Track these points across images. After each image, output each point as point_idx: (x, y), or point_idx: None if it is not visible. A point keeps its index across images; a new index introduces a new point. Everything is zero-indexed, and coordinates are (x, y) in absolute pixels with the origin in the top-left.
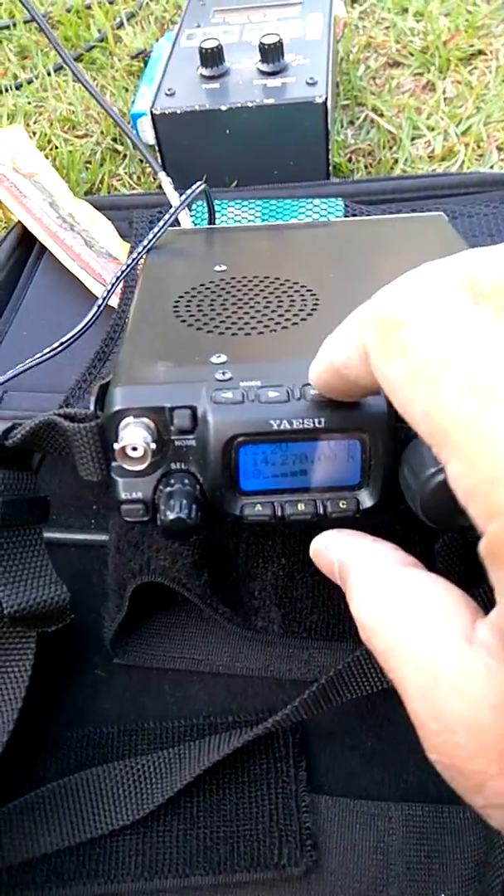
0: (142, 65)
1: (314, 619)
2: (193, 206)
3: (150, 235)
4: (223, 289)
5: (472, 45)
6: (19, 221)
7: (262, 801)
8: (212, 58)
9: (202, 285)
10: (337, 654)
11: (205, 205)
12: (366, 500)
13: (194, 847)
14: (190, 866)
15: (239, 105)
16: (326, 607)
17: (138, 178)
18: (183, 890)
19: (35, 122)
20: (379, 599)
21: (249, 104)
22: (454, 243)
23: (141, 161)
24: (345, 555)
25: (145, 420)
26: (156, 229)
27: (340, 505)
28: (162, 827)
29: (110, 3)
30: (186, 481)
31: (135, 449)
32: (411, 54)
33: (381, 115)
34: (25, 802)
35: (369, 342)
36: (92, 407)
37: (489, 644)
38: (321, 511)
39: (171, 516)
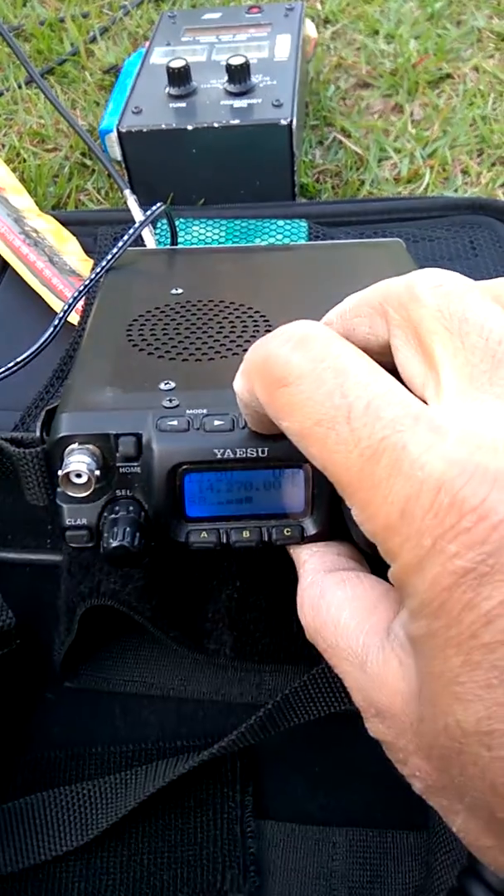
0: (114, 79)
1: (266, 642)
2: (159, 224)
3: (109, 256)
4: (178, 313)
5: (440, 69)
6: None
7: (208, 826)
8: (179, 77)
9: (157, 308)
10: (288, 678)
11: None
12: (310, 527)
13: (138, 873)
14: (133, 892)
15: (205, 125)
16: (278, 631)
17: (106, 193)
18: None
19: (4, 135)
20: (316, 604)
21: (216, 124)
22: (409, 270)
23: (109, 176)
24: (294, 559)
25: (90, 447)
26: (114, 250)
27: (285, 532)
28: (106, 853)
29: (84, 17)
30: (131, 508)
31: (79, 476)
32: (381, 76)
33: (349, 136)
34: None
35: (261, 397)
36: (38, 432)
37: (400, 638)
38: (266, 538)
39: (114, 544)
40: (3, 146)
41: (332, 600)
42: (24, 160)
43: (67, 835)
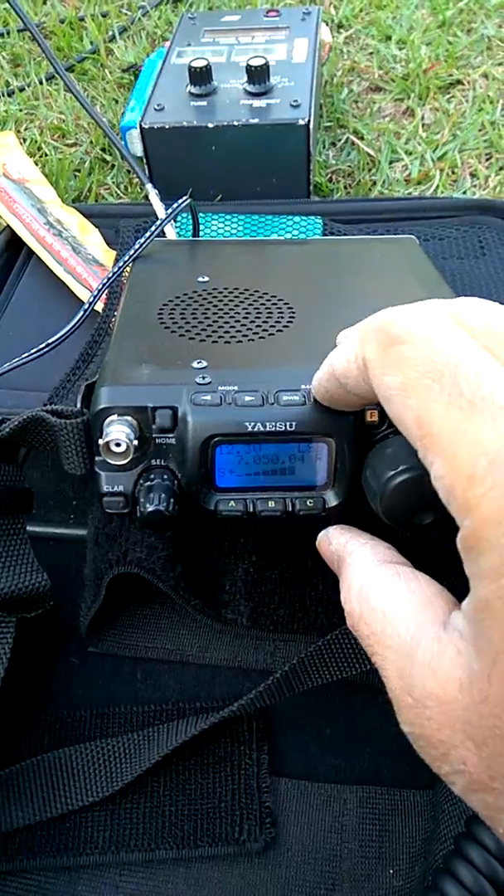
0: (132, 78)
1: (281, 613)
2: (178, 218)
3: (137, 245)
4: (205, 299)
5: (450, 75)
6: (8, 225)
7: (226, 781)
8: (201, 76)
9: (185, 294)
10: (301, 647)
11: (189, 217)
12: (331, 499)
13: (160, 823)
14: (155, 841)
15: (225, 123)
16: (292, 602)
17: (125, 187)
18: (147, 863)
19: (26, 129)
20: (365, 590)
21: (235, 123)
22: (423, 266)
23: (128, 172)
24: (340, 549)
25: (129, 418)
26: (142, 240)
27: (308, 503)
28: (130, 804)
29: (103, 16)
30: (165, 476)
31: (118, 445)
32: (393, 80)
33: (362, 138)
34: None
35: (369, 355)
36: (78, 404)
37: (461, 629)
38: (290, 508)
39: (150, 508)
40: (25, 140)
41: (383, 589)
42: (46, 154)
43: (93, 787)
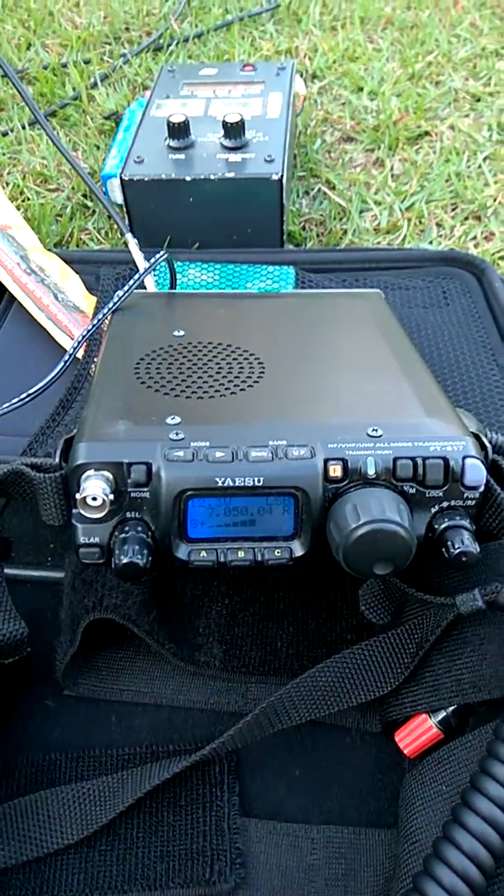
0: (114, 125)
1: (253, 655)
2: (158, 266)
3: (115, 298)
4: (180, 353)
5: (419, 126)
6: None
7: (197, 822)
8: (179, 131)
9: (161, 349)
10: (272, 689)
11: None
12: (298, 549)
13: (133, 865)
14: (128, 883)
15: (202, 177)
16: (264, 645)
17: (106, 233)
18: None
19: (9, 174)
20: None
21: (212, 177)
22: (387, 320)
23: (109, 217)
24: None
25: (105, 473)
26: (120, 293)
27: (276, 553)
28: (104, 846)
29: (86, 62)
30: (140, 529)
31: (94, 499)
32: (364, 131)
33: (333, 188)
34: None
35: None
36: (57, 459)
37: None
38: (259, 558)
39: (125, 560)
40: (8, 185)
41: None
42: (28, 199)
43: (67, 830)
